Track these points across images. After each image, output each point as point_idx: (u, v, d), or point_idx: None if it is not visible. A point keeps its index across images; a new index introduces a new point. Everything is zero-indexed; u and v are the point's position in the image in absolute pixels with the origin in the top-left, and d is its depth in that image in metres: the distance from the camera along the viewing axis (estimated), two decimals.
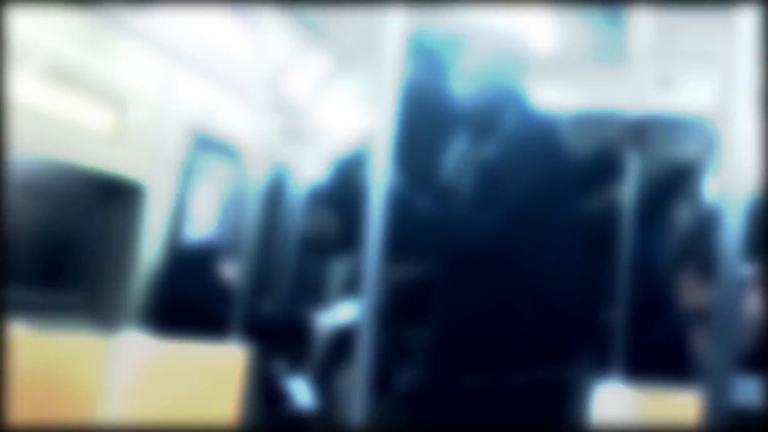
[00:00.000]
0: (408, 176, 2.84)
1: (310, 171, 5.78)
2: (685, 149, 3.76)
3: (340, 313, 2.96)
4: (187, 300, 4.04)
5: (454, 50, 2.99)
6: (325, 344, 2.90)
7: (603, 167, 3.09)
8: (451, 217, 2.80)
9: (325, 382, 3.55)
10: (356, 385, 1.38)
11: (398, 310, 3.05)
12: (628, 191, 2.77)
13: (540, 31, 4.87)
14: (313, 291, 6.21)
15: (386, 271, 3.07)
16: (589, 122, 6.06)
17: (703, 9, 4.36)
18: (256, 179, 3.03)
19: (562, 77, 5.51)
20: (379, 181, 1.43)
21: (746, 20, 0.99)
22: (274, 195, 5.52)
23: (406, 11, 1.46)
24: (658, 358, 3.92)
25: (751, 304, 1.43)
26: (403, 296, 3.07)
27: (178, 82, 4.09)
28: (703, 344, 1.44)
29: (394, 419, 3.18)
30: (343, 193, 3.40)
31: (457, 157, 2.95)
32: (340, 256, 4.56)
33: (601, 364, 2.95)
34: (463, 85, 2.95)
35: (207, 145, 4.47)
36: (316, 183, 5.62)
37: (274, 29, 3.89)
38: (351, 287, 3.40)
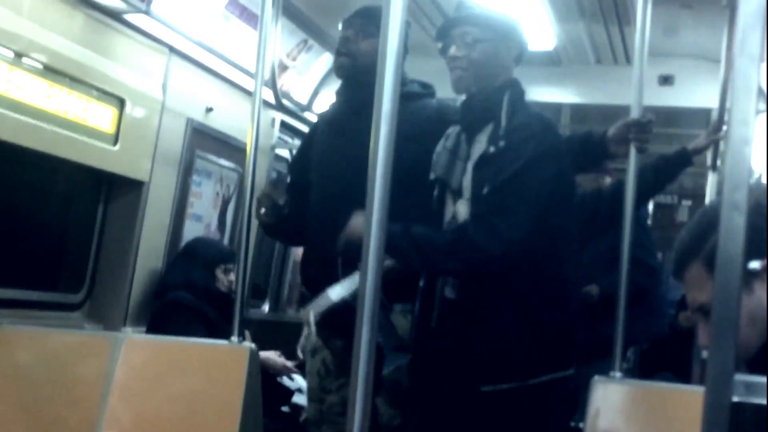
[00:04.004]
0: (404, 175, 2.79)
1: None
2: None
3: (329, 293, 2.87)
4: (186, 300, 4.04)
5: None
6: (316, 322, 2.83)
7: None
8: (472, 229, 2.68)
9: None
10: (355, 384, 1.37)
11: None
12: (628, 189, 2.75)
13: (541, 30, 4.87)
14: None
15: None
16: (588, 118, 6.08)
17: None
18: (256, 178, 3.02)
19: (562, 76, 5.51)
20: (379, 180, 1.42)
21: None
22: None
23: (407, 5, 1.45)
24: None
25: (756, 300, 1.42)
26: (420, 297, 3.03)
27: (179, 80, 4.09)
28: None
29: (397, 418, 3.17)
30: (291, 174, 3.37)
31: (448, 151, 2.89)
32: (290, 240, 4.37)
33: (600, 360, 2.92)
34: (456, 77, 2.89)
35: (207, 143, 4.47)
36: None
37: (274, 27, 3.88)
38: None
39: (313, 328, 2.87)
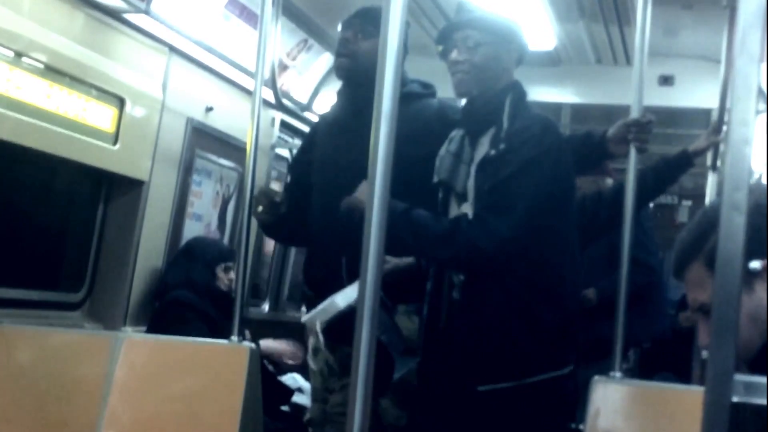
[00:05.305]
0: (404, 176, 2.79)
1: None
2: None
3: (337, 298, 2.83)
4: (188, 298, 4.04)
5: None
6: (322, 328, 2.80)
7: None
8: (467, 223, 2.71)
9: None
10: (355, 383, 1.37)
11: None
12: (628, 189, 2.75)
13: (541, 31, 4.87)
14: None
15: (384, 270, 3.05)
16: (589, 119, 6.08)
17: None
18: (256, 177, 3.02)
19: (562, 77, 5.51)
20: (379, 179, 1.42)
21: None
22: None
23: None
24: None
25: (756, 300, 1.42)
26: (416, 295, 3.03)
27: (179, 80, 4.09)
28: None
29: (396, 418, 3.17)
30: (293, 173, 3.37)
31: (451, 155, 2.89)
32: (288, 240, 4.35)
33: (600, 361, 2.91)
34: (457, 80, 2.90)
35: (207, 142, 4.47)
36: None
37: (274, 27, 3.88)
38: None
39: (321, 337, 2.85)
